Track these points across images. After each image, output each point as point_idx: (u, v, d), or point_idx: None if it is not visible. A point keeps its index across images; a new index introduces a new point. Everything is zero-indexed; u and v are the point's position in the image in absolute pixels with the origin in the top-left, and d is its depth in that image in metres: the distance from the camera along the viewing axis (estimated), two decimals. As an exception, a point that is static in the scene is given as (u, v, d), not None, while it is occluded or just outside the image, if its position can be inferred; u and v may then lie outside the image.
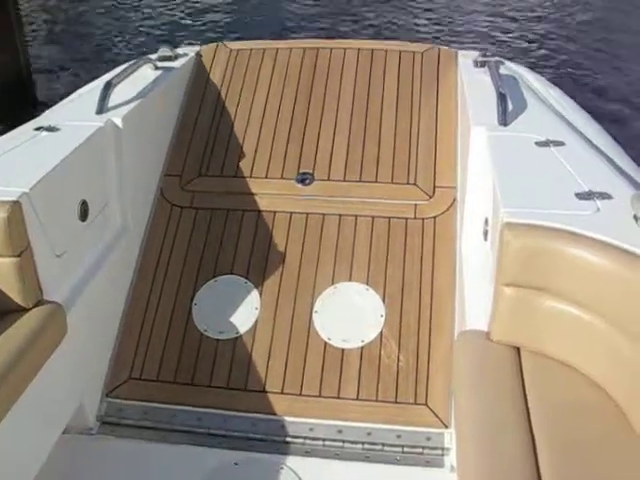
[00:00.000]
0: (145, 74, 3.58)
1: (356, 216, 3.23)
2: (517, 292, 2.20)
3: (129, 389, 2.97)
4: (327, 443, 2.77)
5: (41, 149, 2.78)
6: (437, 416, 2.79)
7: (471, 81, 3.45)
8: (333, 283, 3.10)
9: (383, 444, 2.75)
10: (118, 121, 3.05)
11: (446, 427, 2.75)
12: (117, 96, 3.17)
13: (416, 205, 3.24)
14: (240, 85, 3.72)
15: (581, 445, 1.95)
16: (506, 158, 2.66)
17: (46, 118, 3.13)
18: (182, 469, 2.66)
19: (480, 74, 3.48)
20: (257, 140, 3.53)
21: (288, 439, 2.79)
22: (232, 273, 3.18)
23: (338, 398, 2.86)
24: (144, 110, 3.27)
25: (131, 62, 3.56)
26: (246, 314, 3.08)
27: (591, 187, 2.39)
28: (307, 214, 3.27)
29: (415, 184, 3.31)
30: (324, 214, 3.26)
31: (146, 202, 3.41)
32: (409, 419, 2.79)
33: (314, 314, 3.03)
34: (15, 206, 2.34)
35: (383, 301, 3.02)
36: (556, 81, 3.91)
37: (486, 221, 2.71)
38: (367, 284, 3.07)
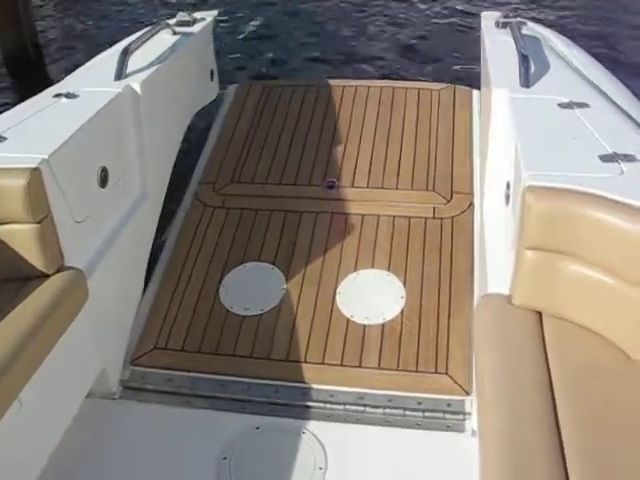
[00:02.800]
0: (163, 39, 3.56)
1: (378, 216, 3.41)
2: (539, 256, 2.18)
3: (153, 358, 3.01)
4: (348, 408, 2.78)
5: (60, 116, 2.77)
6: (457, 383, 2.79)
7: (493, 42, 3.40)
8: (356, 270, 3.23)
9: (404, 409, 2.76)
10: (137, 87, 3.04)
11: (467, 394, 2.75)
12: (135, 62, 3.16)
13: (435, 207, 3.43)
14: (273, 110, 4.08)
15: (603, 409, 1.94)
16: (528, 120, 2.62)
17: (64, 85, 3.12)
18: (204, 433, 2.68)
19: (502, 35, 3.42)
20: (287, 154, 3.80)
21: (309, 404, 2.80)
22: (260, 260, 3.31)
23: (360, 367, 2.89)
24: (163, 75, 3.25)
25: (149, 27, 3.54)
26: (271, 294, 3.17)
27: (615, 149, 2.34)
28: (332, 213, 3.46)
29: (434, 190, 3.51)
30: (348, 213, 3.45)
31: (166, 167, 3.41)
32: (430, 387, 2.80)
33: (337, 295, 3.13)
34: (35, 173, 2.34)
35: (404, 285, 3.13)
36: (579, 42, 3.83)
37: (507, 185, 2.68)
38: (388, 270, 3.20)
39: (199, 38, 3.86)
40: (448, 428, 2.69)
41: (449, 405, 2.75)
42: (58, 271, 2.47)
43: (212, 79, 4.24)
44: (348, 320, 3.04)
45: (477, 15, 3.85)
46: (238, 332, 3.05)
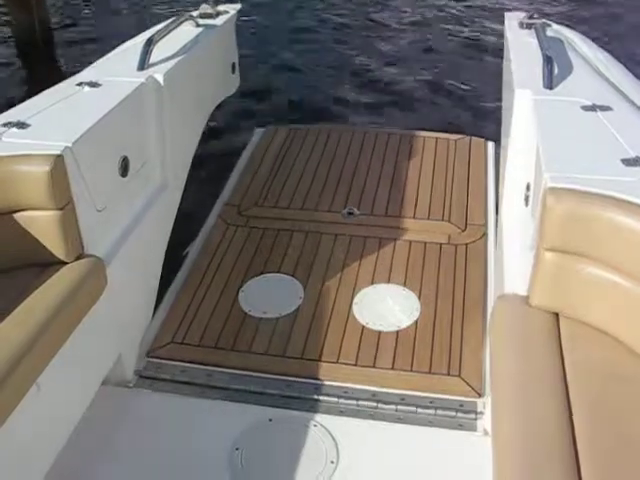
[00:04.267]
0: (186, 31, 3.57)
1: (395, 239, 3.58)
2: (558, 258, 2.17)
3: (170, 351, 3.05)
4: (361, 403, 2.79)
5: (83, 104, 2.79)
6: (470, 386, 2.81)
7: (516, 43, 3.39)
8: (372, 284, 3.34)
9: (417, 406, 2.77)
10: (160, 77, 3.05)
11: (480, 396, 2.76)
12: (159, 53, 3.17)
13: (450, 235, 3.60)
14: (298, 149, 4.31)
15: (617, 413, 1.93)
16: (551, 122, 2.61)
17: (88, 73, 3.13)
18: (217, 424, 2.70)
19: (526, 36, 3.41)
20: (309, 185, 4.02)
21: (323, 398, 2.82)
22: (279, 272, 3.42)
23: (373, 367, 2.92)
24: (185, 67, 3.27)
25: (172, 19, 3.55)
26: (289, 301, 3.25)
27: (638, 153, 2.33)
28: (351, 236, 3.63)
29: (449, 221, 3.70)
30: (366, 236, 3.61)
31: (186, 158, 3.44)
32: (442, 388, 2.82)
33: (353, 305, 3.21)
34: (58, 160, 2.35)
35: (419, 299, 3.23)
36: (604, 45, 3.81)
37: (527, 186, 2.67)
38: (404, 286, 3.32)
39: (222, 31, 3.87)
40: (460, 427, 2.69)
41: (461, 405, 2.76)
42: (78, 258, 2.49)
43: (234, 72, 4.26)
44: (363, 327, 3.10)
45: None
46: (255, 332, 3.11)
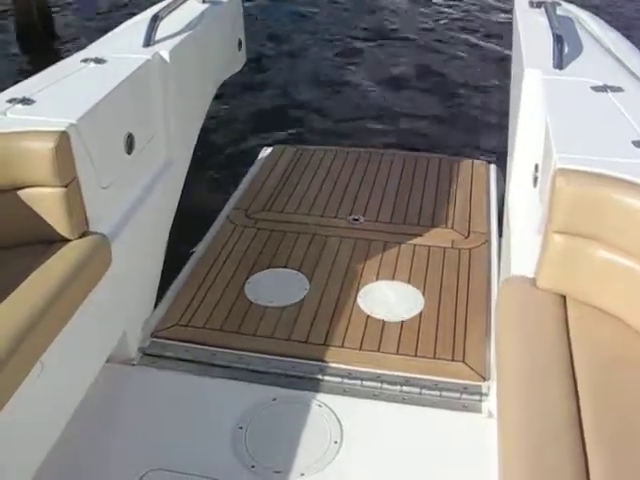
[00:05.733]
0: (192, 7, 3.54)
1: (399, 243, 3.63)
2: (567, 240, 2.16)
3: (174, 332, 3.06)
4: (365, 384, 2.79)
5: (88, 81, 2.77)
6: (474, 370, 2.82)
7: (526, 22, 3.35)
8: (377, 280, 3.38)
9: (421, 387, 2.77)
10: (165, 54, 3.02)
11: (484, 380, 2.77)
12: (164, 29, 3.14)
13: (453, 240, 3.65)
14: (305, 165, 4.42)
15: (624, 396, 1.92)
16: (560, 102, 2.59)
17: (93, 50, 3.11)
18: (221, 402, 2.70)
19: (536, 15, 3.37)
20: (316, 194, 4.10)
21: (327, 378, 2.82)
22: (286, 267, 3.44)
23: (378, 351, 2.93)
24: (191, 43, 3.24)
25: None
26: (295, 292, 3.28)
27: None
28: (356, 239, 3.68)
29: (452, 228, 3.77)
30: (371, 240, 3.67)
31: (191, 135, 3.42)
32: (447, 371, 2.83)
33: (358, 298, 3.24)
34: (63, 136, 2.34)
35: (423, 294, 3.26)
36: (615, 24, 3.77)
37: (536, 167, 2.65)
38: (408, 282, 3.36)
39: (228, 7, 3.83)
40: (464, 408, 2.69)
41: (465, 388, 2.76)
42: (82, 235, 2.48)
43: (240, 49, 4.22)
44: (368, 316, 3.12)
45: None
46: (260, 318, 3.12)
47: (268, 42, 9.11)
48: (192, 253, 3.62)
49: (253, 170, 4.41)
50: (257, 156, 4.59)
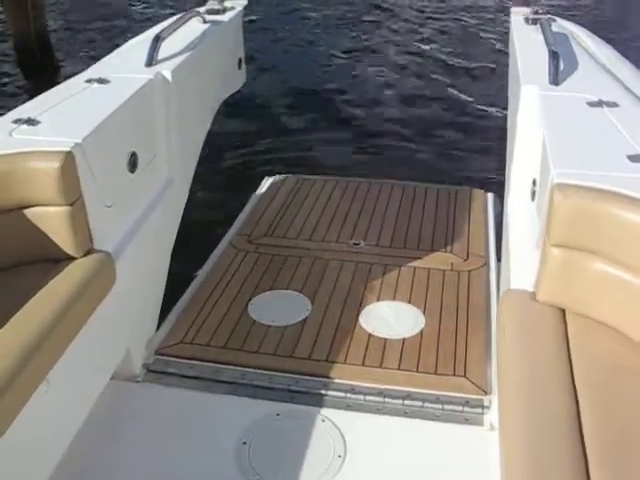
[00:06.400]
0: (194, 27, 3.58)
1: (400, 266, 3.68)
2: (565, 253, 2.18)
3: (179, 349, 3.08)
4: (368, 398, 2.81)
5: (92, 100, 2.81)
6: (476, 384, 2.84)
7: (522, 39, 3.39)
8: (378, 300, 3.42)
9: (423, 401, 2.79)
10: (168, 74, 3.06)
11: (486, 394, 2.79)
12: (167, 49, 3.18)
13: (452, 263, 3.70)
14: (306, 193, 4.49)
15: (624, 408, 1.94)
16: (557, 118, 2.62)
17: (96, 70, 3.15)
18: (225, 418, 2.72)
19: (531, 31, 3.42)
20: (318, 220, 4.17)
21: (330, 393, 2.83)
22: (288, 289, 3.49)
23: (380, 367, 2.96)
24: (193, 63, 3.28)
25: (180, 15, 3.57)
26: (297, 312, 3.31)
27: None
28: (357, 262, 3.73)
29: (452, 252, 3.81)
30: (372, 263, 3.71)
31: (193, 153, 3.46)
32: (449, 386, 2.85)
33: (360, 317, 3.28)
34: (68, 156, 2.37)
35: (423, 313, 3.30)
36: (609, 39, 3.82)
37: (534, 182, 2.68)
38: (409, 302, 3.40)
39: (229, 27, 3.88)
40: (466, 421, 2.71)
41: (467, 401, 2.78)
42: (87, 254, 2.51)
43: (240, 67, 4.27)
44: (370, 335, 3.15)
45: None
46: (264, 336, 3.16)
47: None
48: (195, 277, 3.66)
49: (255, 198, 4.47)
50: (258, 185, 4.67)
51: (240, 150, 6.93)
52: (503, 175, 3.20)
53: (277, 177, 4.73)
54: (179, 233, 3.36)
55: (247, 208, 4.35)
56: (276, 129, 7.51)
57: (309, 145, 7.13)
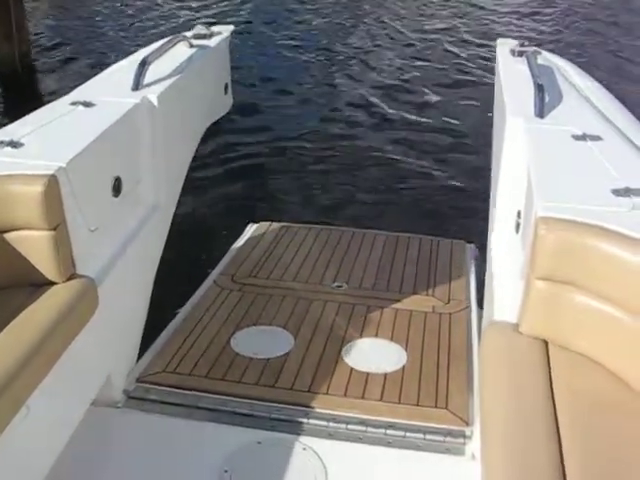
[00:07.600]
0: (180, 52, 3.58)
1: (382, 307, 3.70)
2: (549, 286, 2.19)
3: (160, 377, 3.07)
4: (350, 427, 2.80)
5: (77, 124, 2.79)
6: (457, 416, 2.84)
7: (508, 71, 3.43)
8: (361, 337, 3.44)
9: (405, 430, 2.78)
10: (154, 98, 3.06)
11: (467, 425, 2.79)
12: (153, 73, 3.18)
13: (434, 306, 3.74)
14: (290, 240, 4.53)
15: (607, 440, 1.94)
16: (542, 150, 2.64)
17: (81, 93, 3.13)
18: (206, 445, 2.70)
19: (517, 64, 3.45)
20: (301, 264, 4.19)
21: (312, 422, 2.82)
22: (272, 325, 3.53)
23: (362, 398, 2.96)
24: (179, 88, 3.28)
25: (166, 39, 3.56)
26: (280, 346, 3.32)
27: (628, 184, 2.36)
28: (340, 302, 3.75)
29: (433, 295, 3.86)
30: (354, 304, 3.74)
31: (178, 179, 3.45)
32: (430, 417, 2.86)
33: (342, 352, 3.30)
34: (52, 180, 2.35)
35: (405, 350, 3.31)
36: (593, 73, 3.87)
37: (518, 214, 2.70)
38: (391, 340, 3.42)
39: (216, 52, 3.89)
40: (447, 451, 2.71)
41: (449, 432, 2.79)
42: (70, 279, 2.49)
43: (226, 92, 4.28)
44: (352, 369, 3.16)
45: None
46: (246, 367, 3.15)
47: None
48: (177, 313, 3.66)
49: (239, 243, 4.50)
50: (242, 230, 4.70)
51: (224, 193, 6.98)
52: (485, 228, 3.23)
53: (261, 224, 4.79)
54: (163, 264, 3.33)
55: (231, 250, 4.38)
56: (256, 174, 7.53)
57: (291, 191, 7.16)
